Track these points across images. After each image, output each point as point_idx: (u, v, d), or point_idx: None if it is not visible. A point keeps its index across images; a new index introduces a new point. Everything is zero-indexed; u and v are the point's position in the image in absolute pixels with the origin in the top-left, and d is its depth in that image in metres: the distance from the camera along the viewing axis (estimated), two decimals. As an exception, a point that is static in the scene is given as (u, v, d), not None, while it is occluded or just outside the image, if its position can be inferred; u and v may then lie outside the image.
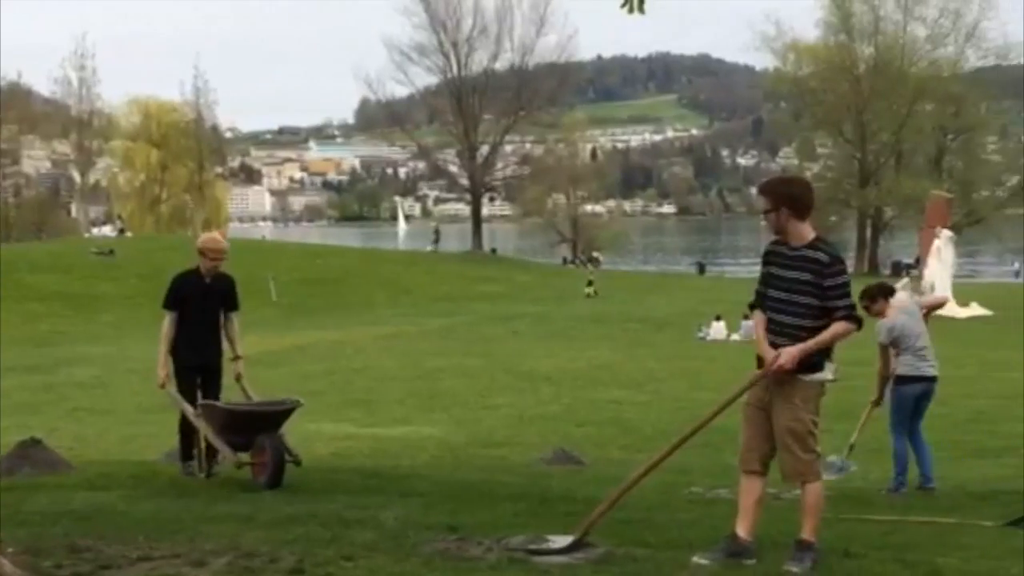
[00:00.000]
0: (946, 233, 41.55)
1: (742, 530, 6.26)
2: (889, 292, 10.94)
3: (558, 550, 6.23)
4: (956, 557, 6.47)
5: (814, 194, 6.50)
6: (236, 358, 10.16)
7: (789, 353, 6.06)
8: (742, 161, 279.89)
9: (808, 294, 6.16)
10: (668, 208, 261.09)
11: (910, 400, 10.69)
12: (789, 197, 6.31)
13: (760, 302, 6.41)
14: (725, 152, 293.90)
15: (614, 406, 20.11)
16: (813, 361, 6.18)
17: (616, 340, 33.15)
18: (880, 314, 10.66)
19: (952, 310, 39.38)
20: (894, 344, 10.64)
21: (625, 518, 7.72)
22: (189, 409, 9.88)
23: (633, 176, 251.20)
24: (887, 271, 70.29)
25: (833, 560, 6.20)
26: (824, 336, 6.13)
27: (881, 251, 79.56)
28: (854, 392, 20.41)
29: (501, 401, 20.81)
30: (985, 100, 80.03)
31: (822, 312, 6.15)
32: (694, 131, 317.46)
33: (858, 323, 6.14)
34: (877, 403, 11.11)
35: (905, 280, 45.60)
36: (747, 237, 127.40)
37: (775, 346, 6.18)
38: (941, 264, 40.55)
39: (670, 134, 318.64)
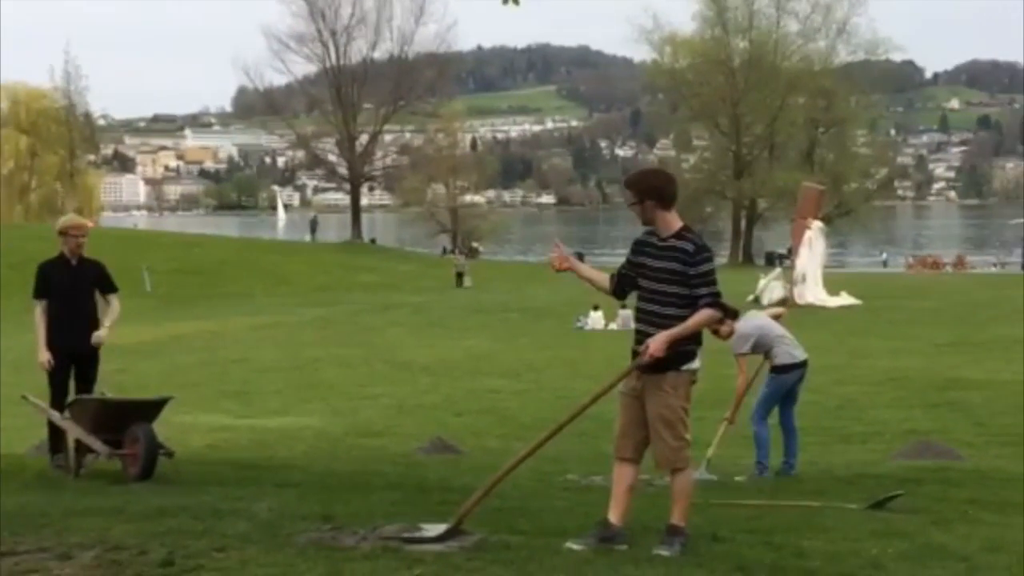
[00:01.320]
0: (817, 224, 42.43)
1: (614, 516, 6.37)
2: (734, 313, 11.18)
3: (432, 538, 6.25)
4: (820, 539, 6.65)
5: (676, 185, 6.63)
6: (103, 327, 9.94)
7: (657, 341, 6.16)
8: (621, 152, 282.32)
9: (676, 283, 6.28)
10: (547, 199, 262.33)
11: (787, 386, 10.96)
12: (653, 189, 6.45)
13: (617, 279, 6.58)
14: (604, 143, 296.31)
15: (492, 395, 20.18)
16: (685, 351, 6.31)
17: (495, 330, 33.24)
18: (729, 335, 10.89)
19: (822, 299, 40.34)
20: (760, 346, 10.90)
21: (500, 506, 7.78)
22: (55, 415, 9.73)
23: (513, 167, 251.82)
24: (761, 261, 71.67)
25: (702, 544, 6.33)
26: (690, 323, 6.24)
27: (755, 242, 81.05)
28: (729, 381, 20.83)
29: (379, 391, 20.75)
30: (855, 94, 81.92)
31: (690, 301, 6.27)
32: (573, 122, 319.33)
33: (723, 309, 6.27)
34: (731, 421, 11.34)
35: (778, 270, 46.66)
36: (625, 228, 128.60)
37: (646, 335, 6.28)
38: (812, 254, 41.41)
39: (550, 125, 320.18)
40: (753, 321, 11.16)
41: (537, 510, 7.66)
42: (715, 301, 6.28)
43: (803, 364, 10.99)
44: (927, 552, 6.31)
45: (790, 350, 10.96)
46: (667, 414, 6.29)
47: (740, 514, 7.69)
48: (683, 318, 6.24)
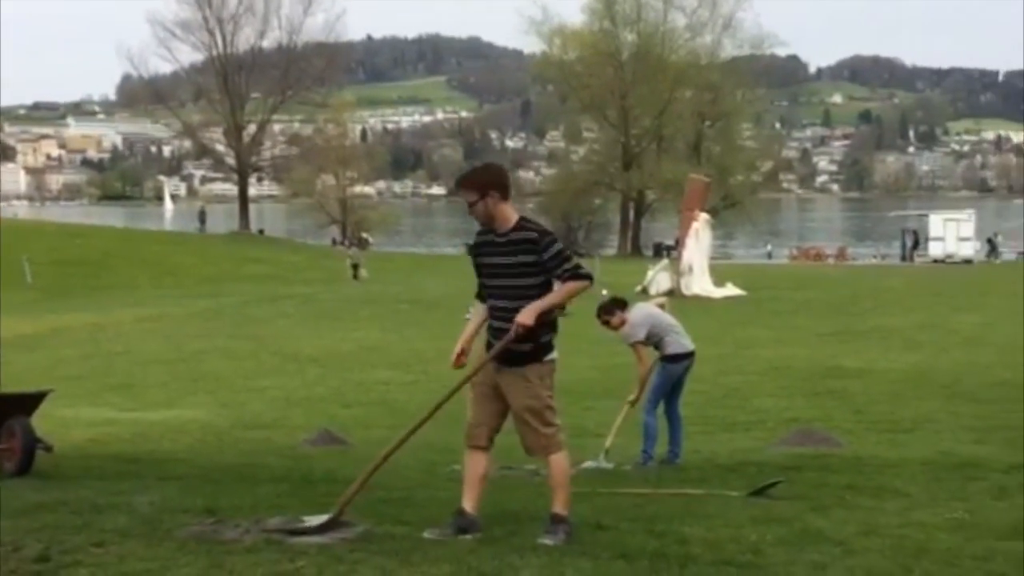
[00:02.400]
0: (704, 216, 43.03)
1: (468, 505, 6.45)
2: (623, 304, 11.30)
3: (313, 529, 6.23)
4: (702, 526, 6.76)
5: (508, 175, 6.68)
6: None
7: (527, 312, 6.20)
8: (511, 144, 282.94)
9: (530, 275, 6.33)
10: (438, 190, 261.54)
11: (676, 376, 11.10)
12: (494, 183, 6.45)
13: (483, 294, 6.57)
14: (494, 135, 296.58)
15: (382, 387, 20.12)
16: (546, 342, 6.41)
17: (385, 321, 33.13)
18: (620, 325, 11.01)
19: (708, 290, 40.91)
20: (652, 336, 11.03)
21: (385, 497, 7.79)
22: None
23: (403, 157, 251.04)
24: (649, 252, 72.41)
25: (586, 533, 6.40)
26: (558, 294, 6.34)
27: (643, 233, 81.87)
28: (621, 370, 21.04)
29: (267, 383, 20.55)
30: (741, 88, 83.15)
31: (541, 290, 6.34)
32: (464, 113, 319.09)
33: (588, 279, 6.34)
34: (634, 403, 11.46)
35: (665, 261, 47.22)
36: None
37: (502, 331, 6.33)
38: (699, 246, 41.97)
39: (440, 116, 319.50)
40: (645, 310, 11.33)
41: (422, 500, 7.66)
42: (578, 273, 6.30)
43: (691, 354, 11.16)
44: (804, 537, 6.45)
45: (680, 340, 11.13)
46: (535, 404, 6.38)
47: (625, 503, 7.78)
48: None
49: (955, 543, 6.30)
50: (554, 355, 6.52)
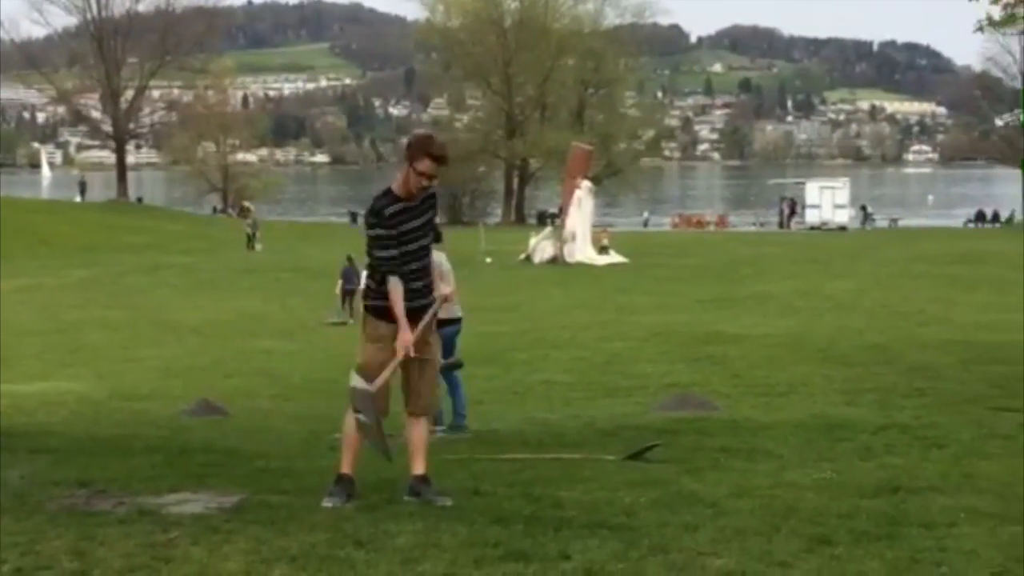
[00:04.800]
0: (586, 184, 43.32)
1: (347, 468, 6.51)
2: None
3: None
4: (578, 490, 6.85)
5: None
6: None
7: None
8: (395, 111, 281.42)
9: (430, 233, 6.63)
10: (321, 157, 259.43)
11: (449, 340, 10.99)
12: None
13: (395, 266, 6.47)
14: (378, 102, 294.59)
15: (263, 356, 19.99)
16: None
17: (268, 290, 32.85)
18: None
19: (591, 257, 41.25)
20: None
21: (263, 467, 7.76)
22: None
23: (286, 125, 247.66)
24: (533, 220, 72.63)
25: (463, 498, 6.45)
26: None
27: (527, 201, 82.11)
28: (498, 339, 21.16)
29: (146, 354, 20.27)
30: (623, 56, 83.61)
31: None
32: (347, 80, 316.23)
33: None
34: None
35: (549, 229, 47.44)
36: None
37: (420, 292, 6.42)
38: (582, 213, 42.27)
39: (323, 83, 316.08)
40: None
41: (302, 470, 7.64)
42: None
43: (459, 320, 11.00)
44: (678, 499, 6.58)
45: (450, 306, 11.11)
46: (435, 360, 6.70)
47: (503, 468, 7.84)
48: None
49: (822, 502, 6.48)
50: None
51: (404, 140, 6.65)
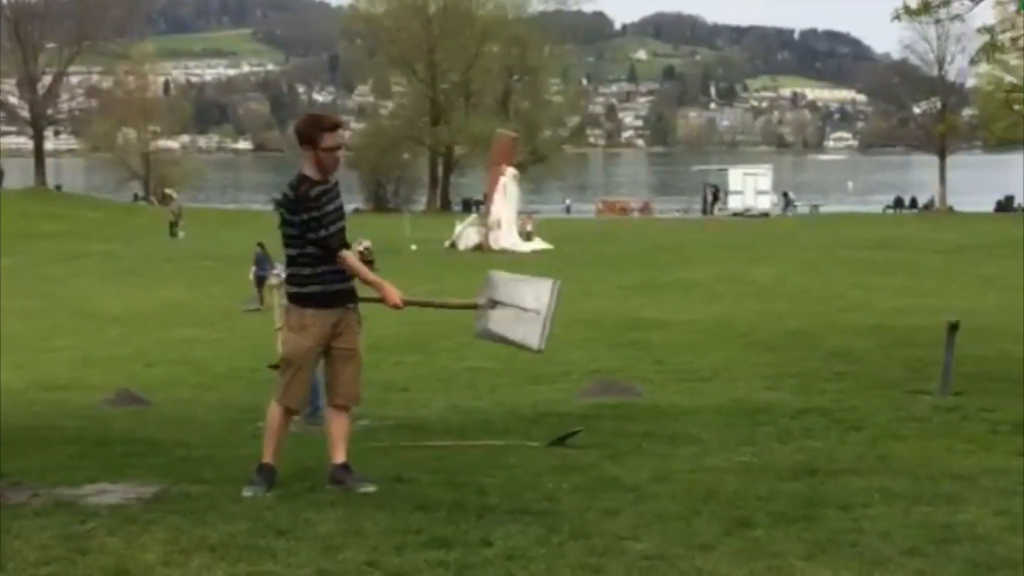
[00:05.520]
0: (511, 171, 43.36)
1: (269, 457, 6.47)
2: None
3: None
4: (501, 476, 6.87)
5: None
6: None
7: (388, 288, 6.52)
8: (319, 98, 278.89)
9: (344, 217, 6.58)
10: (244, 144, 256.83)
11: None
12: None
13: (343, 239, 6.53)
14: (302, 88, 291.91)
15: (185, 345, 19.81)
16: None
17: (190, 278, 32.53)
18: None
19: (516, 244, 41.32)
20: None
21: (184, 456, 7.70)
22: None
23: (208, 111, 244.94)
24: (458, 208, 72.60)
25: (386, 486, 6.44)
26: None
27: (452, 188, 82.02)
28: (430, 326, 21.14)
29: (65, 343, 20.00)
30: (548, 43, 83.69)
31: None
32: (270, 66, 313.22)
33: None
34: None
35: (473, 216, 47.43)
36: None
37: (339, 273, 6.39)
38: (506, 201, 42.31)
39: (246, 69, 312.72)
40: None
41: (223, 459, 7.58)
42: None
43: None
44: (600, 484, 6.62)
45: None
46: (359, 350, 6.62)
47: (426, 456, 7.84)
48: None
49: (742, 485, 6.56)
50: None
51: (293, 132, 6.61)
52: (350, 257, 6.48)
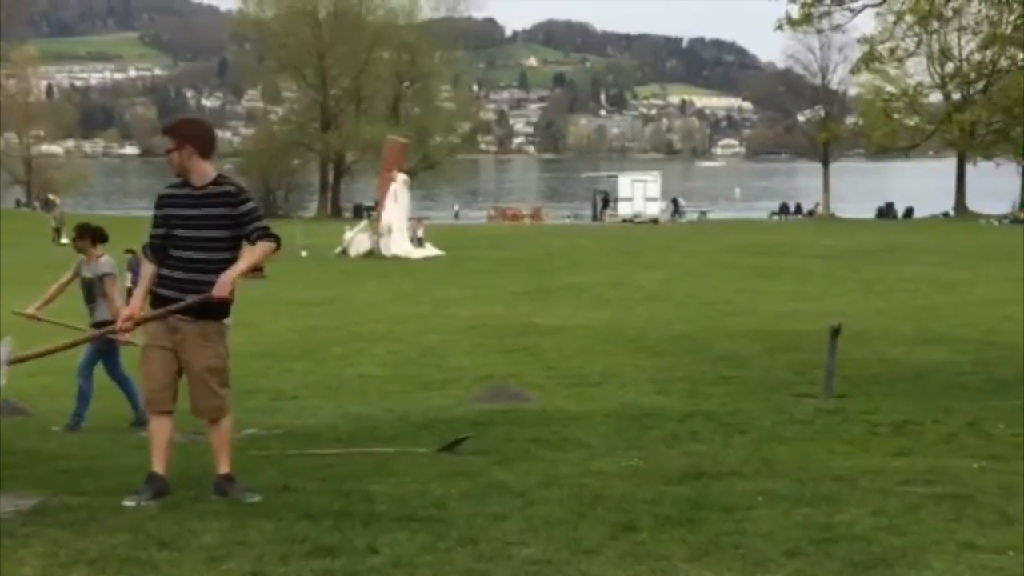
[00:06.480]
0: (402, 177, 43.30)
1: (161, 469, 6.37)
2: (101, 237, 11.29)
3: None
4: (389, 484, 6.84)
5: (216, 137, 6.69)
6: None
7: (223, 282, 6.23)
8: (207, 103, 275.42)
9: (221, 227, 6.36)
10: (131, 149, 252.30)
11: (109, 340, 10.92)
12: (195, 136, 6.50)
13: (156, 246, 6.49)
14: (190, 93, 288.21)
15: (67, 355, 19.32)
16: (225, 309, 6.46)
17: (72, 285, 31.80)
18: (83, 252, 11.02)
19: (407, 250, 41.25)
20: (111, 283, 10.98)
21: (64, 467, 7.54)
22: None
23: (93, 116, 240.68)
24: (349, 214, 72.22)
25: (272, 495, 6.37)
26: (253, 256, 6.42)
27: (343, 194, 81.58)
28: (313, 333, 20.95)
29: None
30: (438, 49, 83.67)
31: (233, 243, 6.42)
32: (158, 71, 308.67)
33: (276, 241, 6.38)
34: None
35: (364, 222, 47.25)
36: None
37: (183, 282, 6.31)
38: (397, 207, 42.23)
39: (132, 73, 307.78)
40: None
41: (104, 470, 7.44)
42: (269, 233, 6.39)
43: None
44: (488, 490, 6.62)
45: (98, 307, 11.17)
46: (217, 364, 6.43)
47: (314, 464, 7.78)
48: (226, 260, 6.36)
49: (628, 489, 6.61)
50: (230, 319, 6.59)
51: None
52: (144, 268, 6.54)
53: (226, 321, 6.54)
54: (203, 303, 6.26)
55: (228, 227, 6.36)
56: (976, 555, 5.13)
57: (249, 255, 6.40)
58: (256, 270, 7.32)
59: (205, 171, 6.45)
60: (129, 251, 26.96)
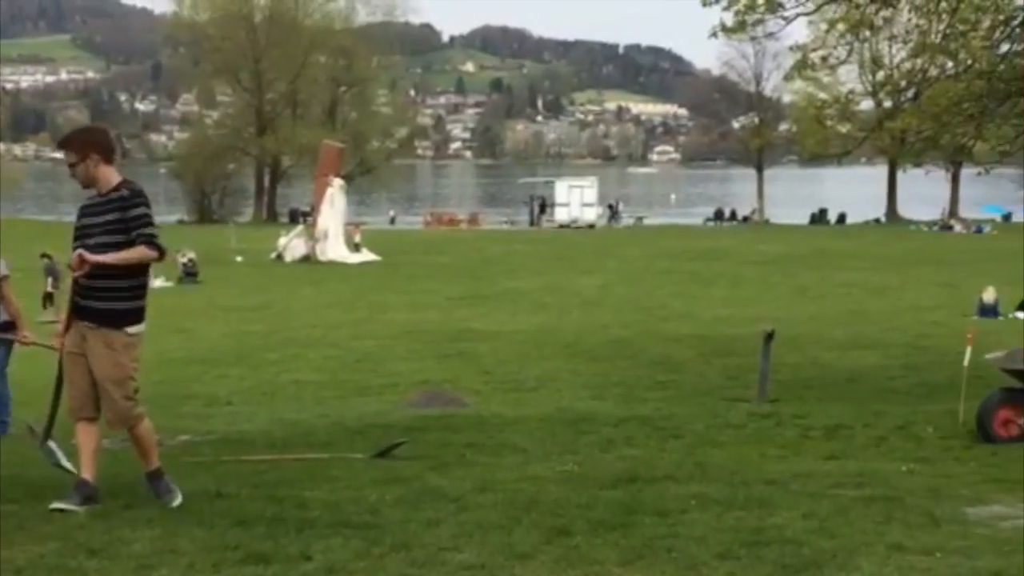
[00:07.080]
0: (338, 182, 43.16)
1: (89, 475, 6.30)
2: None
3: None
4: (323, 489, 6.81)
5: (114, 142, 6.65)
6: None
7: (85, 256, 6.19)
8: (141, 106, 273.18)
9: (116, 232, 6.29)
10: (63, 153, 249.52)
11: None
12: (96, 144, 6.45)
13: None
14: (124, 97, 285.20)
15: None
16: (128, 310, 6.34)
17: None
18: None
19: (343, 255, 41.10)
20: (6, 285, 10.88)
21: (-9, 476, 7.41)
22: None
23: (24, 119, 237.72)
24: (285, 219, 71.78)
25: (204, 502, 6.31)
26: (127, 254, 6.26)
27: (279, 199, 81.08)
28: (248, 338, 20.80)
29: None
30: (375, 54, 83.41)
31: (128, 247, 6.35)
32: (91, 74, 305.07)
33: (159, 251, 6.33)
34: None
35: (300, 227, 47.03)
36: (146, 183, 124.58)
37: (92, 289, 6.25)
38: (334, 211, 42.07)
39: (64, 76, 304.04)
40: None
41: (34, 478, 7.32)
42: (151, 241, 6.31)
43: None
44: (423, 495, 6.62)
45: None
46: (117, 373, 6.29)
47: (247, 470, 7.72)
48: (132, 267, 6.32)
49: (563, 494, 6.63)
50: (141, 328, 6.42)
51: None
52: (71, 279, 6.47)
53: (135, 330, 6.36)
54: (80, 294, 6.25)
55: (120, 232, 6.29)
56: (904, 556, 5.20)
57: (127, 252, 6.26)
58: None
59: (110, 177, 6.39)
60: (45, 255, 26.75)
